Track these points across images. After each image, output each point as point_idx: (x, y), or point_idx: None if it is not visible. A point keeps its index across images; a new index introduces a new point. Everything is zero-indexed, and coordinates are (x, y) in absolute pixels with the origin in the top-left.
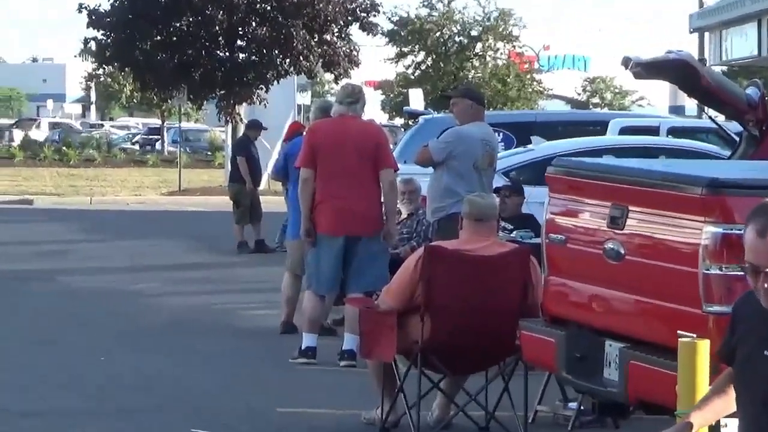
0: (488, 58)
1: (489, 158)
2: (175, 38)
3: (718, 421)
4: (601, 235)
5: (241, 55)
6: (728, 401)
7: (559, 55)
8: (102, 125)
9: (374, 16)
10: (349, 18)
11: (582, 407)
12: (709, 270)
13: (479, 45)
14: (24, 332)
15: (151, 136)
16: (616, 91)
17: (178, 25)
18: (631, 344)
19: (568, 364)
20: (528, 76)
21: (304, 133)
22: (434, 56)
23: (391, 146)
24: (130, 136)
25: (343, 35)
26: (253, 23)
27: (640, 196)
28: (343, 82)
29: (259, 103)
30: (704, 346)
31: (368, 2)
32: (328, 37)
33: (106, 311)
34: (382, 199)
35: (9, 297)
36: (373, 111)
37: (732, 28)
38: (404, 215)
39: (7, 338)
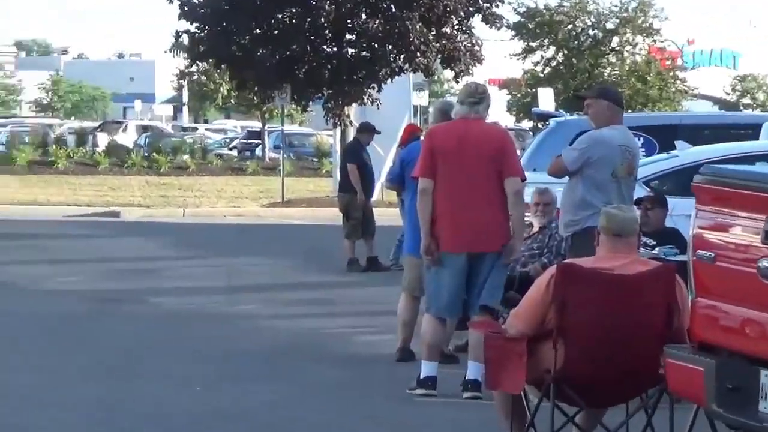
0: (626, 54)
1: (628, 166)
2: (276, 31)
3: None
4: (755, 251)
5: (351, 51)
6: None
7: (706, 51)
8: (196, 129)
9: (498, 6)
10: (471, 9)
11: None
12: None
13: (616, 39)
14: (111, 360)
15: (250, 141)
16: None
17: (280, 16)
18: None
19: (718, 396)
20: (671, 74)
21: (422, 137)
22: (566, 51)
23: (518, 152)
24: (227, 140)
25: (464, 28)
26: (364, 15)
27: None
28: (465, 80)
29: (371, 104)
30: None
31: None
32: (447, 30)
33: (202, 336)
34: (509, 212)
35: (95, 321)
36: (498, 112)
37: None
38: (535, 229)
39: (94, 367)
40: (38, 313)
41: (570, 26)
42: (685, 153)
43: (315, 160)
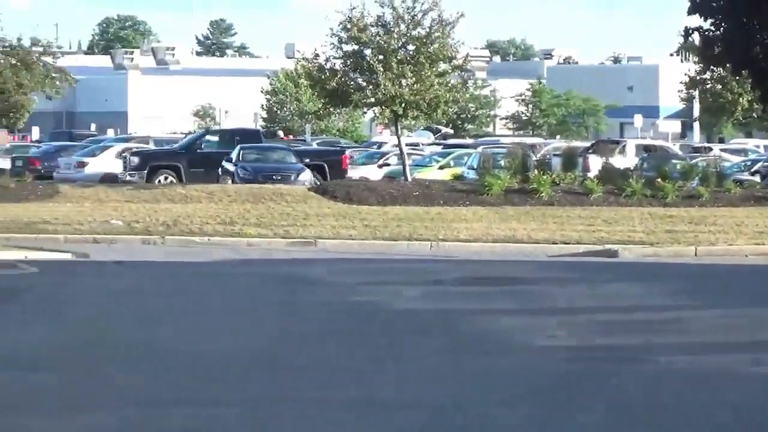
0: None
1: None
2: None
3: None
4: None
5: None
6: None
7: None
8: (710, 149)
9: None
10: None
11: None
12: None
13: None
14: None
15: None
16: None
17: None
18: None
19: None
20: None
21: None
22: None
23: None
24: (748, 163)
25: None
26: None
27: None
28: None
29: None
30: None
31: None
32: None
33: (724, 404)
34: None
35: (590, 384)
36: None
37: None
38: None
39: None
40: (520, 374)
41: None
42: None
43: None
